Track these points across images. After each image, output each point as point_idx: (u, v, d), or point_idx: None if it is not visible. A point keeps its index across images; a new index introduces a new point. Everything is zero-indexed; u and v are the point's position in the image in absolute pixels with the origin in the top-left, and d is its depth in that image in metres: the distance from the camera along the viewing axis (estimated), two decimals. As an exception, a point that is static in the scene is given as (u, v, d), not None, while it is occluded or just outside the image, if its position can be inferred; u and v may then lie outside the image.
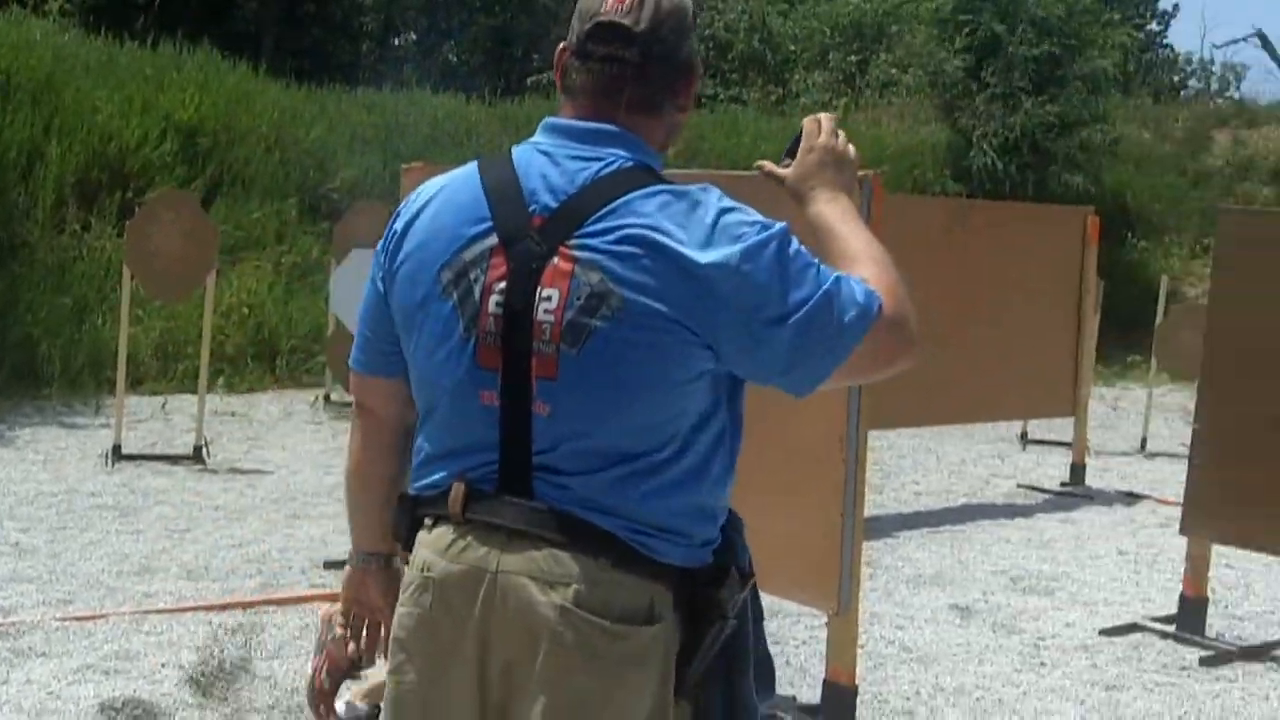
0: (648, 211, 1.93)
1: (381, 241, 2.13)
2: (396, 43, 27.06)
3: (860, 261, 2.03)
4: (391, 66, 23.57)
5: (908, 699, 5.05)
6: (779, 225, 1.95)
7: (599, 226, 1.94)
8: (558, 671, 1.93)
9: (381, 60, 24.80)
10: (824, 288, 1.92)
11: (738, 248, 1.90)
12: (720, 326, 1.92)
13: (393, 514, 2.14)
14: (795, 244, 1.95)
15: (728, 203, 1.96)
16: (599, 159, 2.00)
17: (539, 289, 1.96)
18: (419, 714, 2.03)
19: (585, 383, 1.95)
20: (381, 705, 2.11)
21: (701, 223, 1.92)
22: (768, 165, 2.22)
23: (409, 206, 2.11)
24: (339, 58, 23.55)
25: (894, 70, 19.80)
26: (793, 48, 21.95)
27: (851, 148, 2.18)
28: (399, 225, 2.11)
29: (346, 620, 2.31)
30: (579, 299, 1.93)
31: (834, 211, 2.12)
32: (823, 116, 2.20)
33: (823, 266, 1.96)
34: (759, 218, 1.96)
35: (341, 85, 17.21)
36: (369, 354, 2.18)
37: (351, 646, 2.31)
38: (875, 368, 2.01)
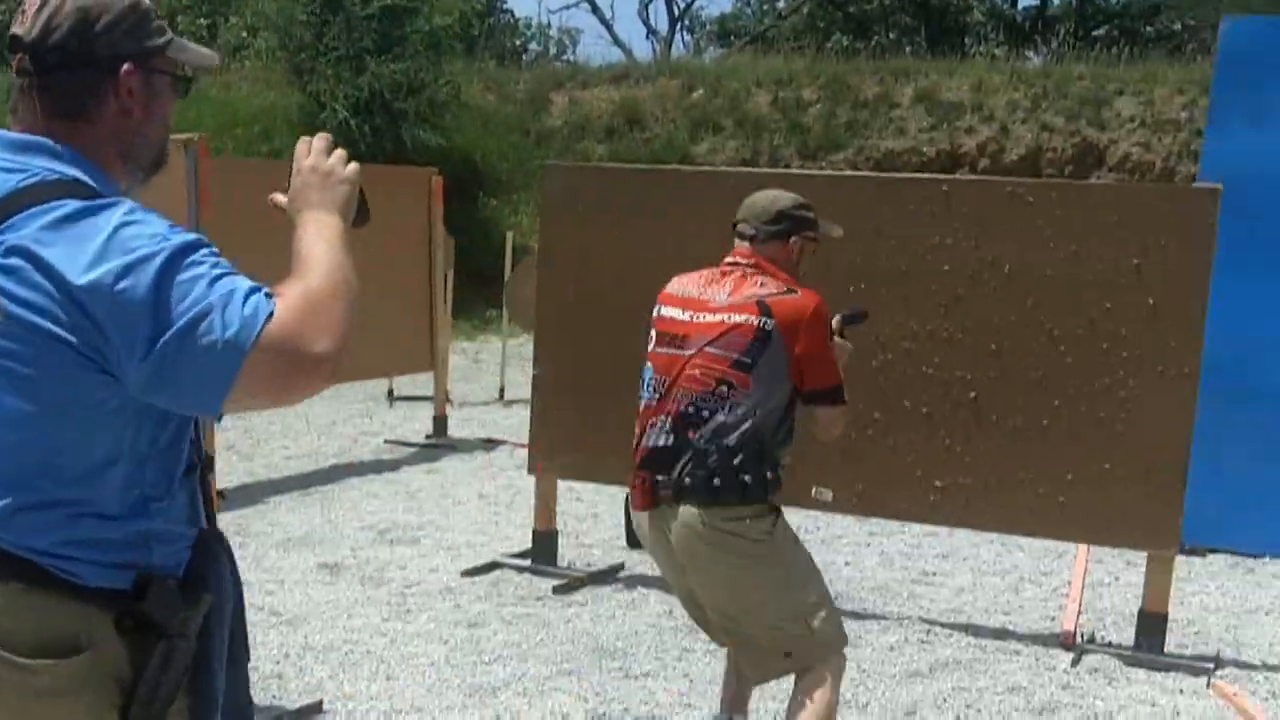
0: (40, 226, 1.81)
1: None
2: None
3: (296, 279, 1.86)
4: None
5: (277, 662, 5.09)
6: (183, 238, 1.81)
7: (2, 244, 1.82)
8: None
9: None
10: (205, 301, 1.76)
11: (117, 263, 1.77)
12: (110, 350, 1.79)
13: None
14: (197, 255, 1.80)
15: (135, 215, 1.83)
16: (22, 171, 1.90)
17: None
18: None
19: None
20: None
21: (93, 240, 1.79)
22: (276, 197, 2.09)
23: None
24: None
25: (245, 34, 19.44)
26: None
27: (341, 164, 2.06)
28: None
29: None
30: None
31: (304, 233, 1.97)
32: (316, 138, 2.10)
33: (223, 280, 1.79)
34: (164, 230, 1.82)
35: None
36: None
37: None
38: (272, 390, 1.83)
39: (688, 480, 3.67)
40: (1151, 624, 5.52)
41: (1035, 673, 5.34)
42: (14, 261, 1.81)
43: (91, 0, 1.95)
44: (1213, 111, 7.31)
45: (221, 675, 1.98)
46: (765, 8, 35.11)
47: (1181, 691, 5.17)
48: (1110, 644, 5.65)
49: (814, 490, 5.96)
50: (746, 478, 3.66)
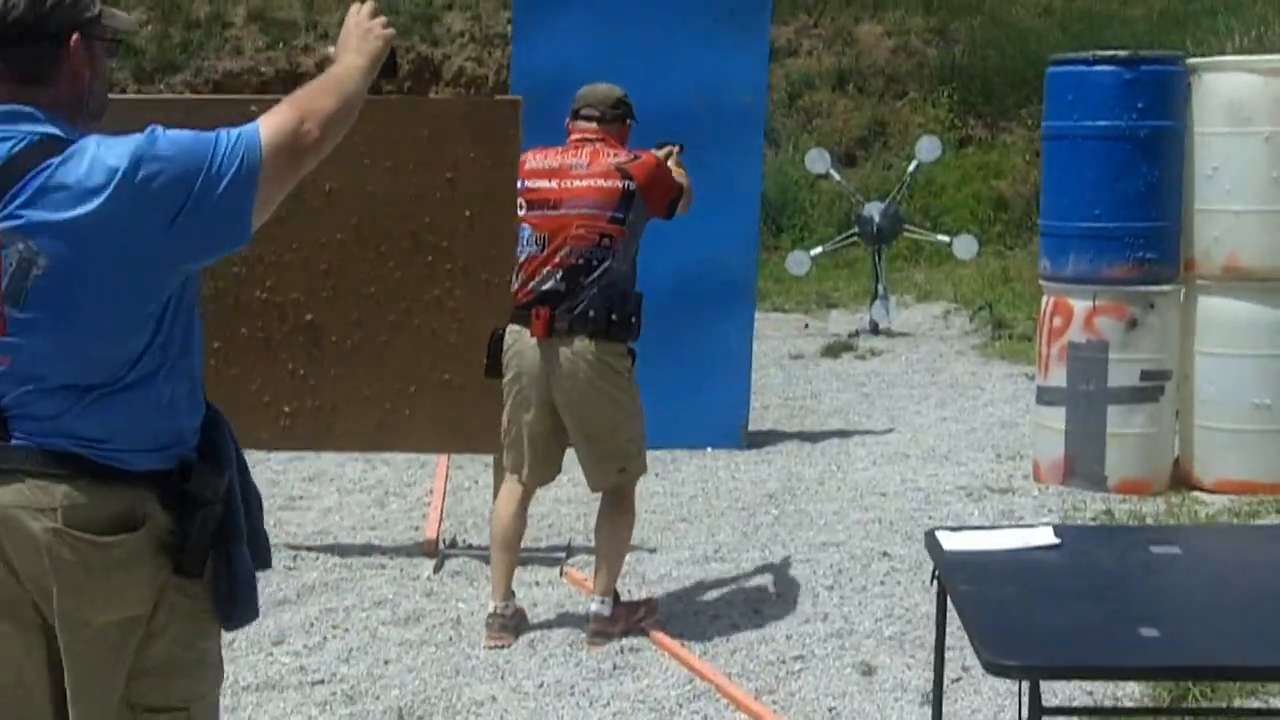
0: (50, 180, 2.20)
1: None
2: None
3: (284, 101, 2.37)
4: None
5: None
6: (145, 133, 2.26)
7: (15, 202, 2.21)
8: (67, 578, 2.25)
9: None
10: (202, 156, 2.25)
11: (116, 178, 2.20)
12: (142, 248, 2.23)
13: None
14: (163, 139, 2.26)
15: (104, 142, 2.25)
16: (12, 138, 2.25)
17: None
18: None
19: (37, 336, 2.24)
20: None
21: (99, 168, 2.21)
22: (329, 49, 2.56)
23: None
24: None
25: None
26: None
27: (380, 24, 2.50)
28: None
29: None
30: (11, 266, 2.21)
31: (335, 66, 2.45)
32: (363, 5, 2.53)
33: (226, 132, 2.28)
34: (130, 140, 2.24)
35: None
36: None
37: None
38: (296, 165, 2.34)
39: (591, 314, 4.61)
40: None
41: (400, 584, 5.45)
42: (43, 215, 2.20)
43: None
44: (516, 26, 7.62)
45: (242, 518, 2.41)
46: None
47: (537, 583, 5.45)
48: (471, 546, 5.86)
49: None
50: (632, 319, 4.69)
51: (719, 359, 7.46)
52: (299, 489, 6.82)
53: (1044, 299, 6.78)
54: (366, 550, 5.88)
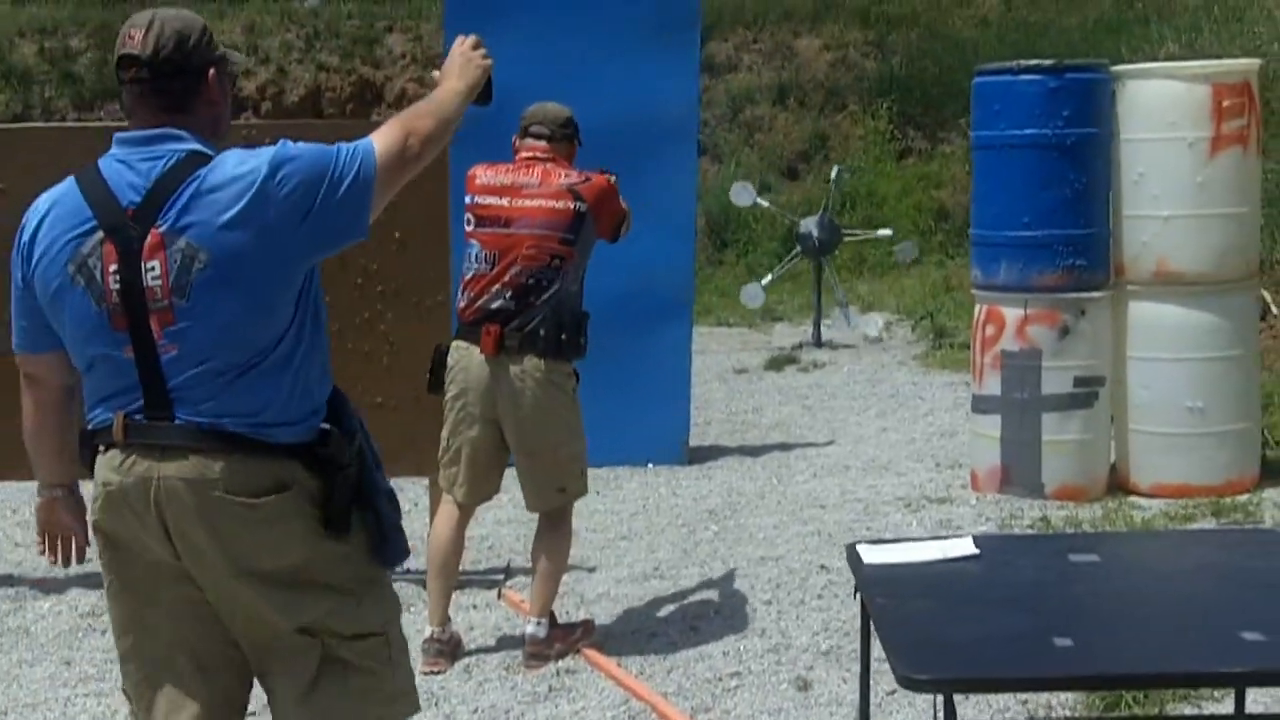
0: (203, 184, 2.59)
1: (14, 253, 2.73)
2: None
3: (391, 120, 2.79)
4: None
5: None
6: (278, 145, 2.66)
7: (175, 208, 2.59)
8: (223, 542, 2.62)
9: None
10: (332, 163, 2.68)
11: (257, 183, 2.59)
12: (288, 246, 2.62)
13: (78, 446, 2.76)
14: (293, 149, 2.67)
15: (245, 152, 2.64)
16: (161, 156, 2.64)
17: (143, 263, 2.60)
18: (129, 597, 2.76)
19: (200, 321, 2.60)
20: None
21: (240, 176, 2.60)
22: (435, 73, 2.97)
23: (31, 220, 2.72)
24: None
25: None
26: None
27: (480, 55, 2.91)
28: (26, 237, 2.72)
29: (43, 540, 3.04)
30: (176, 263, 2.58)
31: (437, 90, 2.85)
32: (468, 38, 2.94)
33: (344, 146, 2.69)
34: (264, 151, 2.64)
35: None
36: (29, 337, 2.80)
37: (50, 559, 3.05)
38: (402, 173, 2.74)
39: (541, 333, 4.65)
40: (442, 545, 5.71)
41: (335, 609, 5.39)
42: (200, 217, 2.58)
43: (181, 24, 2.69)
44: (447, 46, 7.56)
45: (376, 475, 2.75)
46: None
47: (474, 607, 5.41)
48: (408, 571, 5.77)
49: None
50: (580, 339, 4.73)
51: (658, 376, 7.44)
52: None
53: (976, 308, 6.81)
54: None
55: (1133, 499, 6.53)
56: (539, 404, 4.72)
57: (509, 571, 5.78)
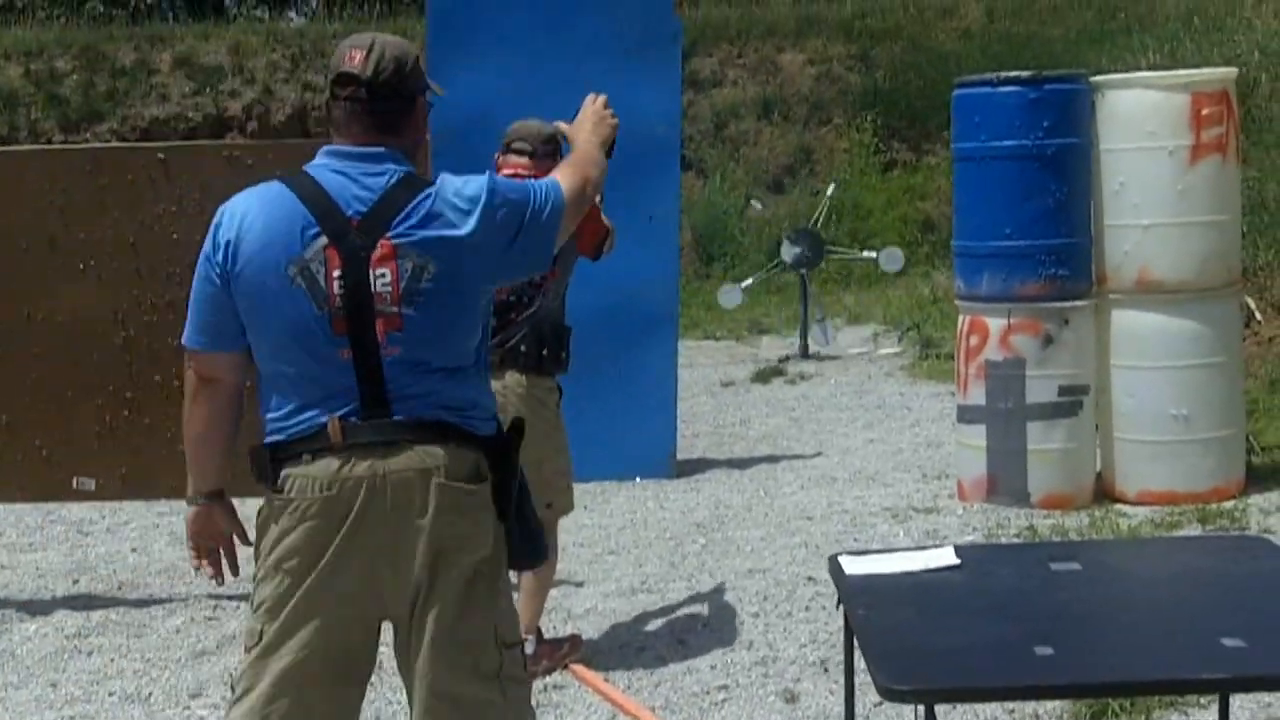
0: (430, 203, 2.80)
1: (211, 250, 2.83)
2: None
3: (568, 163, 3.07)
4: None
5: None
6: (487, 175, 2.92)
7: (406, 222, 2.78)
8: (443, 522, 2.78)
9: None
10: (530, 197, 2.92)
11: (480, 207, 2.82)
12: (486, 262, 2.86)
13: (257, 458, 2.83)
14: (502, 179, 2.98)
15: (458, 177, 2.88)
16: (383, 173, 2.82)
17: (371, 270, 2.77)
18: (336, 604, 2.79)
19: (424, 327, 2.79)
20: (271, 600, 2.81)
21: (464, 198, 2.83)
22: (561, 125, 3.25)
23: (231, 221, 2.82)
24: None
25: None
26: None
27: (609, 114, 3.18)
28: (229, 237, 2.81)
29: (197, 553, 3.04)
30: (407, 272, 2.77)
31: (581, 147, 3.10)
32: (599, 97, 3.21)
33: (538, 183, 2.97)
34: (479, 179, 2.88)
35: None
36: (212, 335, 2.87)
37: (208, 572, 3.06)
38: (578, 214, 3.02)
39: (523, 349, 4.66)
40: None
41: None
42: (428, 233, 2.79)
43: (400, 50, 2.88)
44: (430, 65, 7.58)
45: (525, 480, 3.00)
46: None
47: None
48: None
49: (74, 482, 5.69)
50: (562, 354, 4.76)
51: (644, 390, 7.46)
52: (224, 537, 6.74)
53: (960, 318, 6.83)
54: (290, 596, 5.81)
55: (1119, 507, 6.55)
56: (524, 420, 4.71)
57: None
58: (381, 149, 2.84)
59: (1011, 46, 15.72)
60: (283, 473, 2.78)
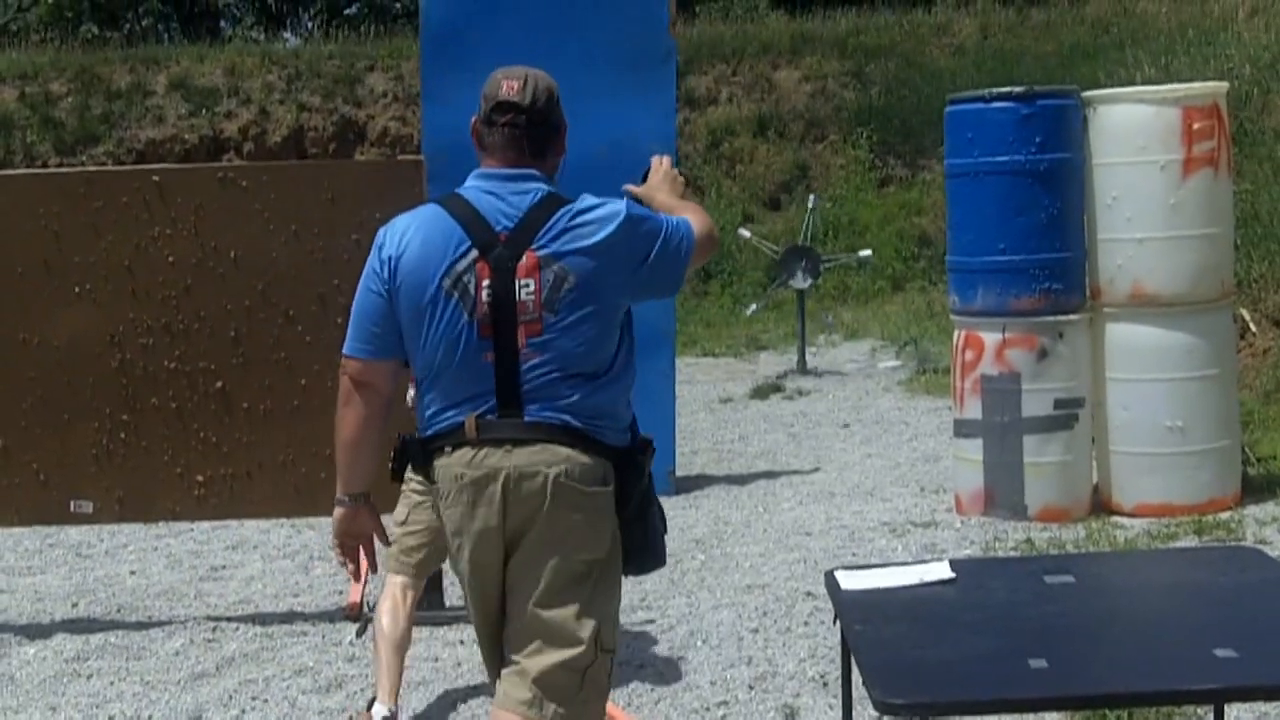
0: (571, 220, 3.06)
1: (377, 267, 3.11)
2: None
3: (683, 212, 3.26)
4: None
5: None
6: (623, 204, 3.13)
7: (549, 236, 3.04)
8: (558, 516, 3.02)
9: None
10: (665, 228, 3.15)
11: (615, 222, 3.06)
12: (626, 275, 3.07)
13: (405, 452, 3.15)
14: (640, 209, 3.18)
15: (596, 200, 3.11)
16: (529, 192, 3.08)
17: (516, 280, 3.03)
18: (479, 575, 3.10)
19: (563, 335, 3.03)
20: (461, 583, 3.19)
21: (600, 215, 3.07)
22: (630, 188, 3.36)
23: (392, 240, 3.11)
24: None
25: None
26: None
27: (676, 173, 3.41)
28: (392, 253, 3.09)
29: (342, 552, 3.32)
30: (549, 282, 3.02)
31: (673, 206, 3.28)
32: (665, 158, 3.45)
33: (669, 216, 3.19)
34: (617, 201, 3.15)
35: None
36: (374, 344, 3.14)
37: (349, 569, 3.35)
38: (706, 254, 3.28)
39: None
40: (428, 583, 5.71)
41: (322, 651, 5.40)
42: (573, 244, 3.04)
43: (548, 83, 3.16)
44: (425, 85, 7.64)
45: (652, 490, 3.21)
46: (7, 0, 32.69)
47: (462, 642, 5.40)
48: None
49: (72, 505, 5.69)
50: None
51: (642, 407, 7.32)
52: (222, 558, 6.75)
53: (955, 333, 6.85)
54: (289, 618, 5.81)
55: (1116, 519, 6.56)
56: None
57: (495, 606, 5.78)
58: (528, 170, 3.12)
59: (1005, 63, 15.79)
60: (433, 464, 3.11)
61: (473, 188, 3.13)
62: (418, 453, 3.14)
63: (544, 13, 7.40)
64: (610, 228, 3.06)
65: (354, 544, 3.31)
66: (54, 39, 22.06)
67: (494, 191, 3.09)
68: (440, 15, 7.44)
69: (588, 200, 3.11)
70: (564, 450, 3.03)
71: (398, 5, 26.19)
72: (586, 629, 3.05)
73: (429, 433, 3.12)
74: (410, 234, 3.10)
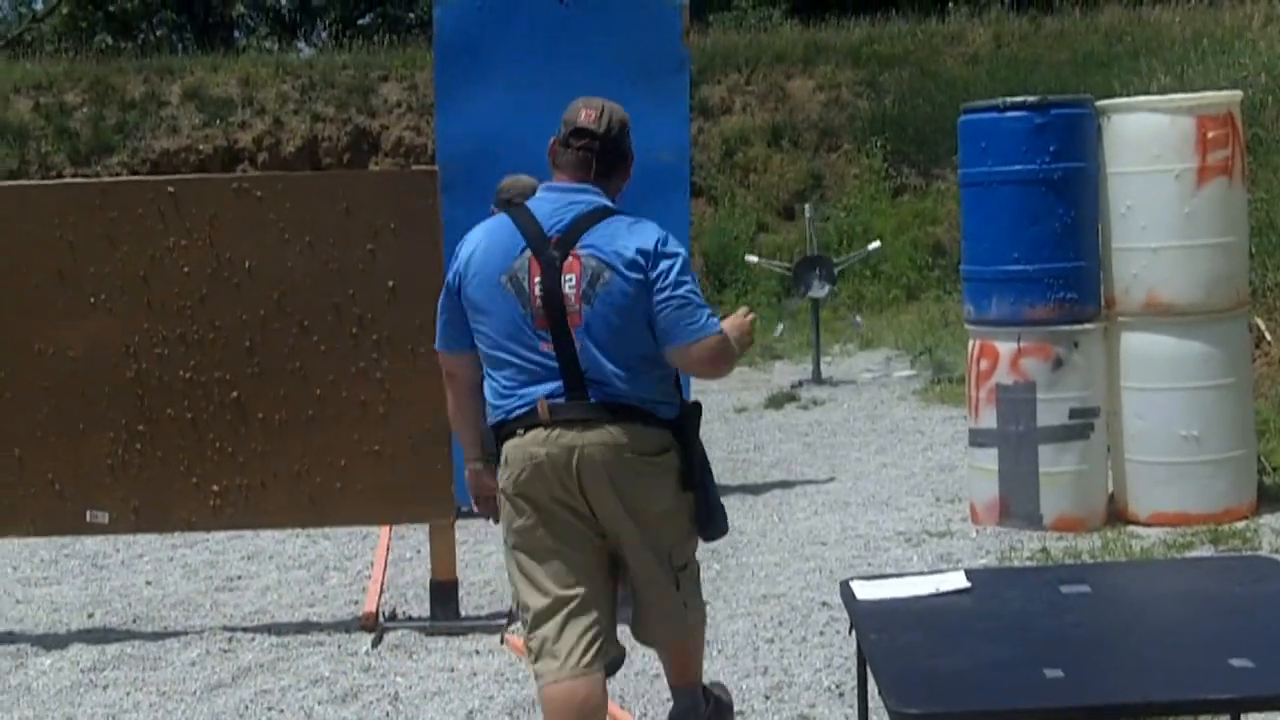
0: (613, 227, 3.52)
1: (452, 271, 3.65)
2: None
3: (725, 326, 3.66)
4: None
5: None
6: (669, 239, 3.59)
7: (590, 239, 3.49)
8: (628, 484, 3.53)
9: None
10: (694, 291, 3.59)
11: (652, 242, 3.51)
12: (645, 297, 3.49)
13: (488, 434, 3.64)
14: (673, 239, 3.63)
15: (642, 220, 3.60)
16: (583, 203, 3.55)
17: (562, 276, 3.48)
18: (544, 538, 3.59)
19: (600, 323, 3.47)
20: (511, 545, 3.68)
21: (639, 234, 3.53)
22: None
23: (466, 247, 3.64)
24: None
25: None
26: None
27: (750, 333, 3.79)
28: (465, 254, 3.63)
29: (477, 502, 3.89)
30: (586, 277, 3.46)
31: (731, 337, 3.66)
32: (749, 315, 3.81)
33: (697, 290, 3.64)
34: (647, 220, 3.61)
35: None
36: (451, 339, 3.71)
37: (483, 514, 3.91)
38: (716, 360, 3.62)
39: None
40: (443, 592, 5.72)
41: (338, 661, 5.39)
42: (609, 248, 3.49)
43: (622, 115, 3.62)
44: (439, 95, 7.66)
45: (708, 464, 3.76)
46: (22, 10, 32.88)
47: (478, 652, 5.40)
48: (410, 618, 5.81)
49: (88, 515, 5.70)
50: None
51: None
52: (238, 568, 6.76)
53: (970, 343, 6.84)
54: (304, 628, 5.82)
55: (1131, 529, 6.54)
56: None
57: (512, 615, 5.78)
58: (589, 186, 3.59)
59: (1018, 71, 15.78)
60: (505, 445, 3.55)
61: (538, 199, 3.62)
62: (495, 435, 3.58)
63: (558, 23, 7.41)
64: (642, 238, 3.50)
65: (489, 497, 3.78)
66: (68, 49, 22.19)
67: (554, 201, 3.58)
68: (454, 25, 7.45)
69: (627, 214, 3.56)
70: (627, 428, 3.49)
71: (411, 15, 26.29)
72: (665, 554, 3.68)
73: (502, 415, 3.56)
74: (477, 241, 3.61)
